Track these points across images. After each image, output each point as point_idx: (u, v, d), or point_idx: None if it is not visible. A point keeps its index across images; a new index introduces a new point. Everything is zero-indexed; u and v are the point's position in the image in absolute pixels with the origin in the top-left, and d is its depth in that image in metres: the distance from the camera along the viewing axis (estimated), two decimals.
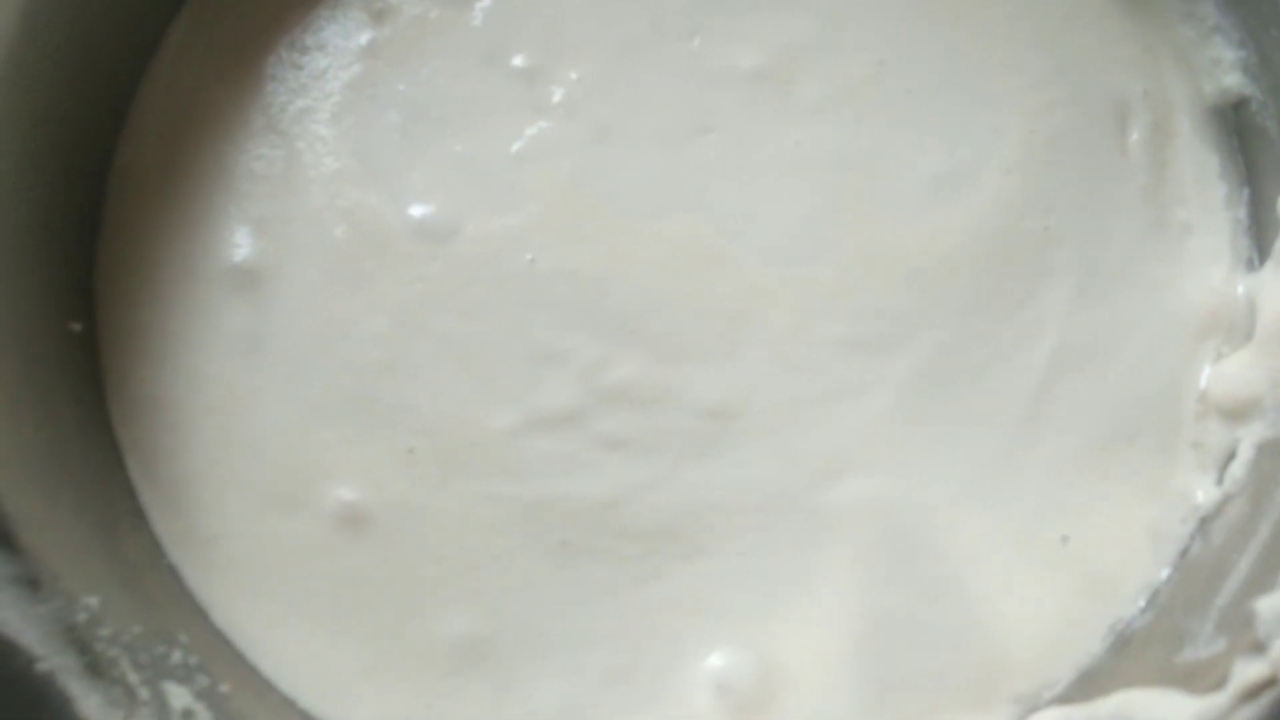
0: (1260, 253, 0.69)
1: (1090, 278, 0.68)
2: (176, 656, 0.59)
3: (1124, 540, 0.65)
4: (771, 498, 0.65)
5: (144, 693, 0.55)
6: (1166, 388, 0.68)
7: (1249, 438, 0.64)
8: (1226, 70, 0.70)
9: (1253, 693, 0.49)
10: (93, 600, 0.55)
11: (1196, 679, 0.53)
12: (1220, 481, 0.65)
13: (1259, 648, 0.51)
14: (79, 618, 0.54)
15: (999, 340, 0.67)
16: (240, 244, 0.69)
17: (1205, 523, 0.65)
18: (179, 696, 0.57)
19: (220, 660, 0.62)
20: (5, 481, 0.55)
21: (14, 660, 0.50)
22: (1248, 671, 0.50)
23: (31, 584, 0.52)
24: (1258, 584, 0.56)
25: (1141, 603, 0.64)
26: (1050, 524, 0.65)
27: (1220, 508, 0.65)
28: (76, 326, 0.67)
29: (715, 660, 0.64)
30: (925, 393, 0.66)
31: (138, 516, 0.66)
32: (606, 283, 0.68)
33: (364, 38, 0.72)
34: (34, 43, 0.63)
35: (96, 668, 0.53)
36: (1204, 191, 0.71)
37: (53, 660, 0.51)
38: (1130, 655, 0.62)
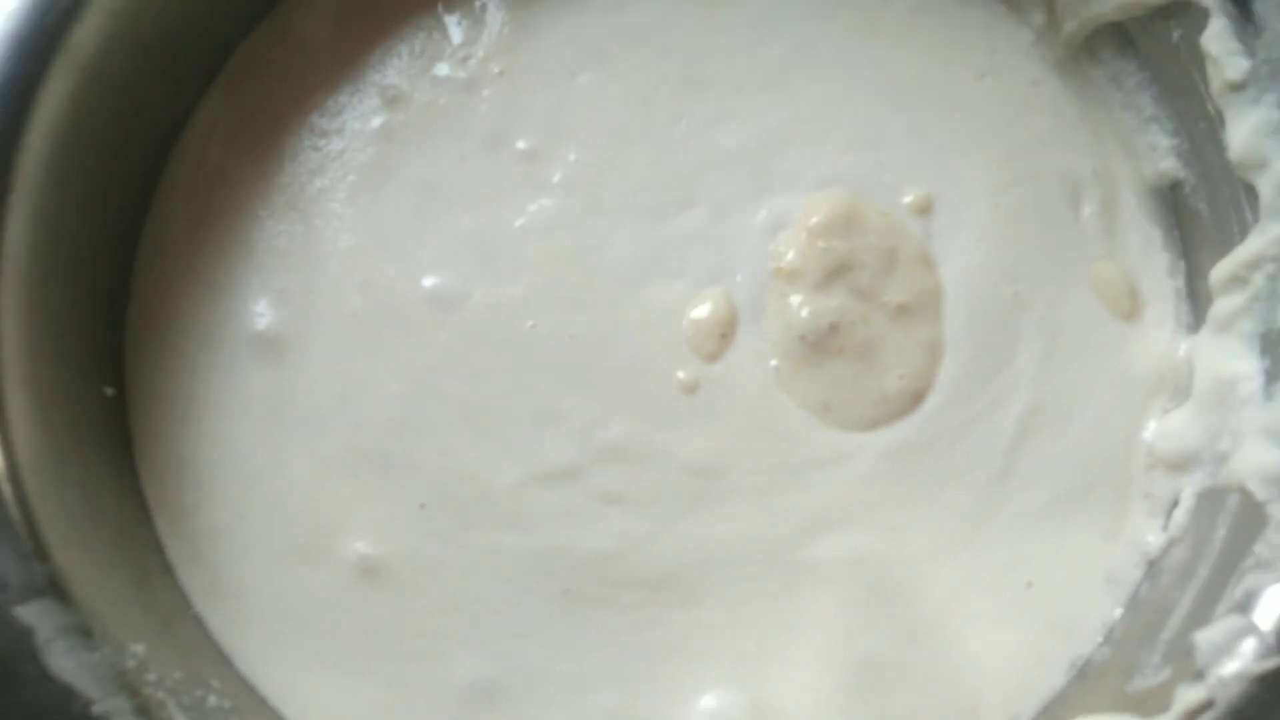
0: (1197, 320, 0.76)
1: (1054, 342, 0.74)
2: (212, 700, 0.63)
3: (1083, 584, 0.70)
4: (759, 551, 0.70)
5: None
6: (1120, 443, 0.73)
7: (1190, 486, 0.70)
8: (1162, 155, 0.77)
9: (1193, 715, 0.55)
10: (139, 648, 0.59)
11: (1146, 705, 0.58)
12: (1166, 527, 0.71)
13: (1198, 675, 0.56)
14: (128, 664, 0.58)
15: (977, 405, 0.73)
16: (262, 313, 0.74)
17: (1153, 565, 0.71)
18: None
19: (249, 705, 0.66)
20: (55, 538, 0.59)
21: (73, 704, 0.54)
22: (1189, 696, 0.56)
23: (84, 633, 0.56)
24: (1198, 619, 0.61)
25: (1099, 639, 0.70)
26: (1017, 571, 0.70)
27: (1165, 551, 0.70)
28: (109, 391, 0.72)
29: (708, 701, 0.68)
30: (904, 459, 0.72)
31: (166, 571, 0.69)
32: (600, 347, 0.73)
33: (378, 121, 0.78)
34: (74, 129, 0.67)
35: (146, 710, 0.56)
36: (1149, 261, 0.77)
37: (107, 703, 0.55)
38: (1088, 686, 0.67)
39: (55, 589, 0.57)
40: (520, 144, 0.77)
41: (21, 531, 0.57)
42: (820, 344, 0.72)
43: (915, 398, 0.72)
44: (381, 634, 0.69)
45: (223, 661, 0.68)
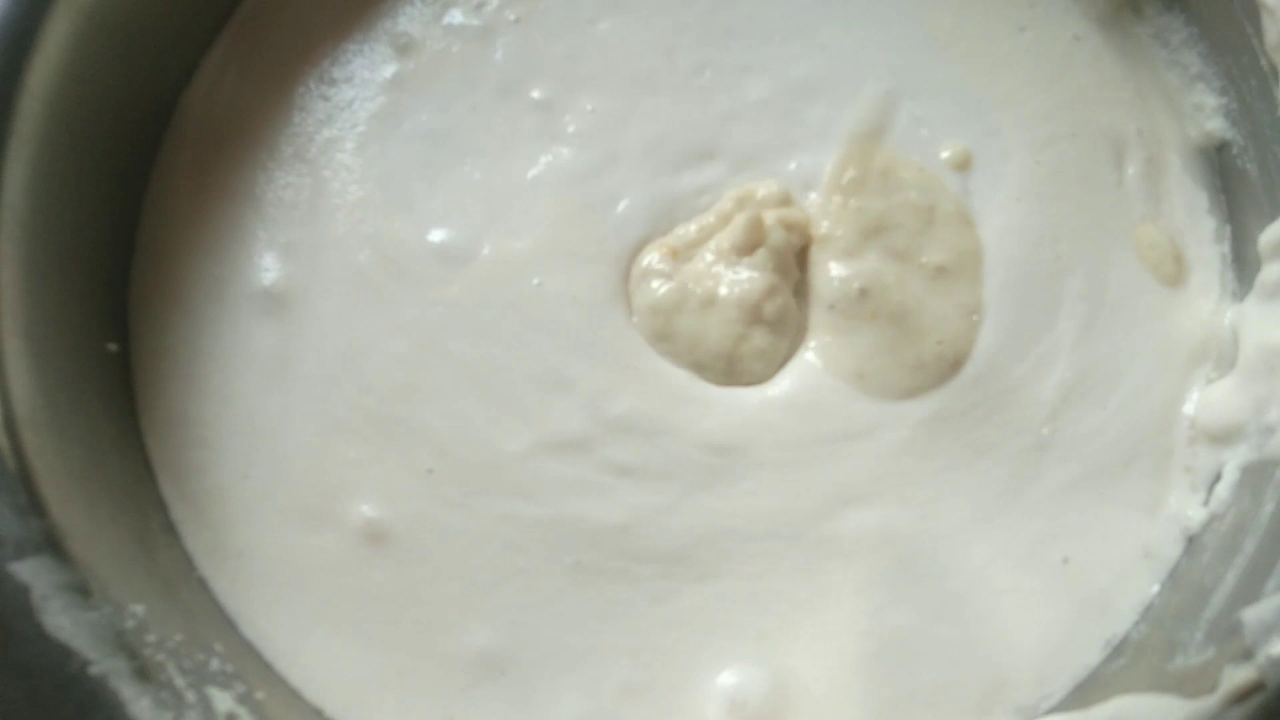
0: (1242, 286, 0.72)
1: (1097, 306, 0.71)
2: (214, 664, 0.61)
3: (1120, 560, 0.67)
4: (781, 525, 0.67)
5: (190, 696, 0.57)
6: (1161, 415, 0.70)
7: (1234, 460, 0.67)
8: (1209, 115, 0.74)
9: (1242, 695, 0.52)
10: (138, 608, 0.57)
11: (1188, 685, 0.55)
12: (1207, 502, 0.68)
13: (1247, 654, 0.53)
14: (127, 624, 0.56)
15: (1016, 373, 0.70)
16: (268, 268, 0.72)
17: (1193, 541, 0.68)
18: (222, 700, 0.58)
19: (252, 669, 0.64)
20: (53, 493, 0.57)
21: (69, 663, 0.52)
22: (1236, 676, 0.53)
23: (82, 592, 0.54)
24: (1244, 596, 0.59)
25: (1135, 617, 0.67)
26: (1052, 546, 0.67)
27: (1206, 526, 0.67)
28: (113, 347, 0.69)
29: (727, 677, 0.65)
30: (939, 429, 0.68)
31: (169, 531, 0.68)
32: (604, 310, 0.70)
33: (389, 71, 0.75)
34: (76, 74, 0.65)
35: (145, 672, 0.54)
36: (1195, 225, 0.74)
37: (104, 664, 0.53)
38: (1124, 665, 0.64)
39: (52, 545, 0.55)
40: (535, 93, 0.74)
41: (18, 485, 0.55)
42: (852, 310, 0.69)
43: (954, 365, 0.69)
44: (388, 600, 0.67)
45: (226, 625, 0.66)
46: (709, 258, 0.70)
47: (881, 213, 0.71)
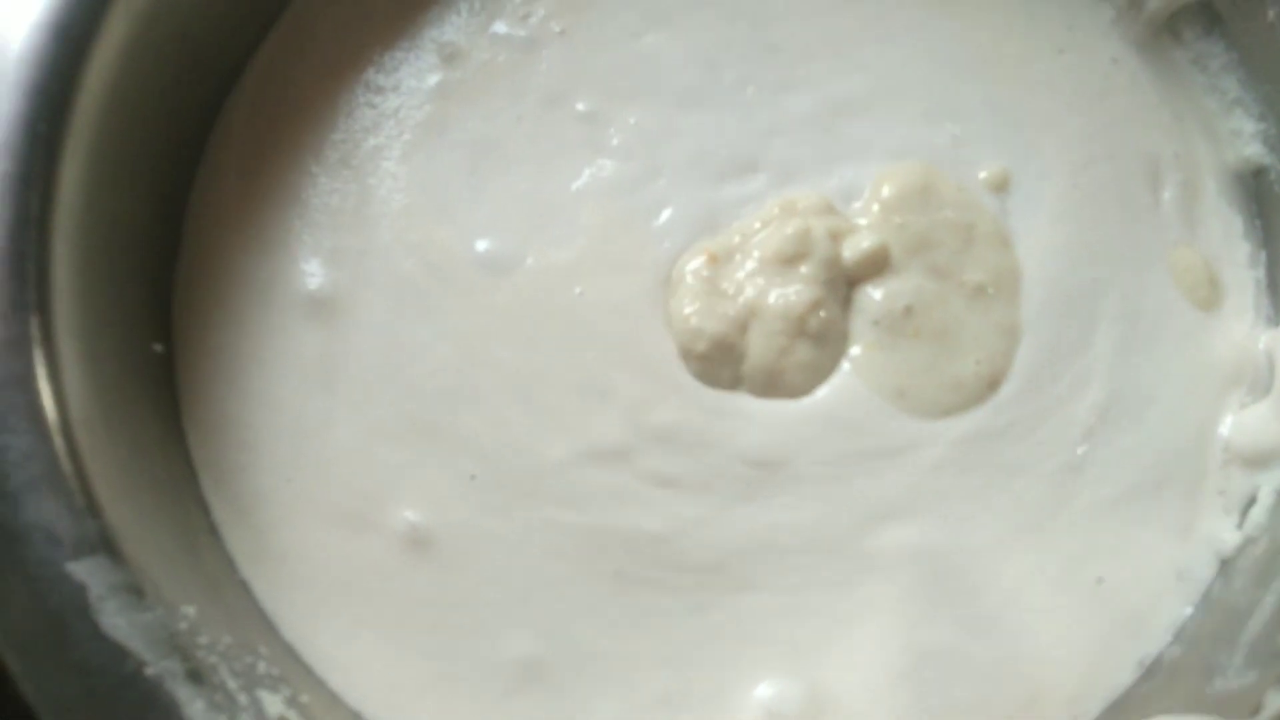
0: (1277, 311, 0.73)
1: (1132, 329, 0.72)
2: (261, 667, 0.61)
3: (1153, 580, 0.68)
4: (818, 539, 0.67)
5: (243, 699, 0.57)
6: (1195, 437, 0.71)
7: (1268, 484, 0.68)
8: (1247, 141, 0.75)
9: None
10: (190, 610, 0.58)
11: (1229, 707, 0.56)
12: (1241, 526, 0.69)
13: None
14: (180, 626, 0.56)
15: (1053, 393, 0.70)
16: (314, 273, 0.72)
17: (1226, 564, 0.69)
18: (273, 704, 0.59)
19: (295, 673, 0.64)
20: (106, 494, 0.57)
21: (125, 664, 0.53)
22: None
23: (137, 592, 0.55)
24: None
25: (1168, 638, 0.68)
26: (1086, 566, 0.68)
27: (1240, 550, 0.68)
28: (158, 347, 0.70)
29: (764, 689, 0.66)
30: (975, 448, 0.69)
31: (212, 532, 0.68)
32: (645, 320, 0.71)
33: (435, 79, 0.76)
34: (131, 76, 0.66)
35: (198, 674, 0.55)
36: (1230, 250, 0.75)
37: (160, 665, 0.53)
38: (1158, 686, 0.65)
39: (107, 545, 0.55)
40: (579, 105, 0.75)
41: (74, 486, 0.55)
42: (896, 327, 0.70)
43: (991, 384, 0.70)
44: (429, 606, 0.67)
45: (269, 628, 0.67)
46: (750, 265, 0.71)
47: (923, 230, 0.71)
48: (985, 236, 0.72)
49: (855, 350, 0.70)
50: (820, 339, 0.70)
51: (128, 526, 0.57)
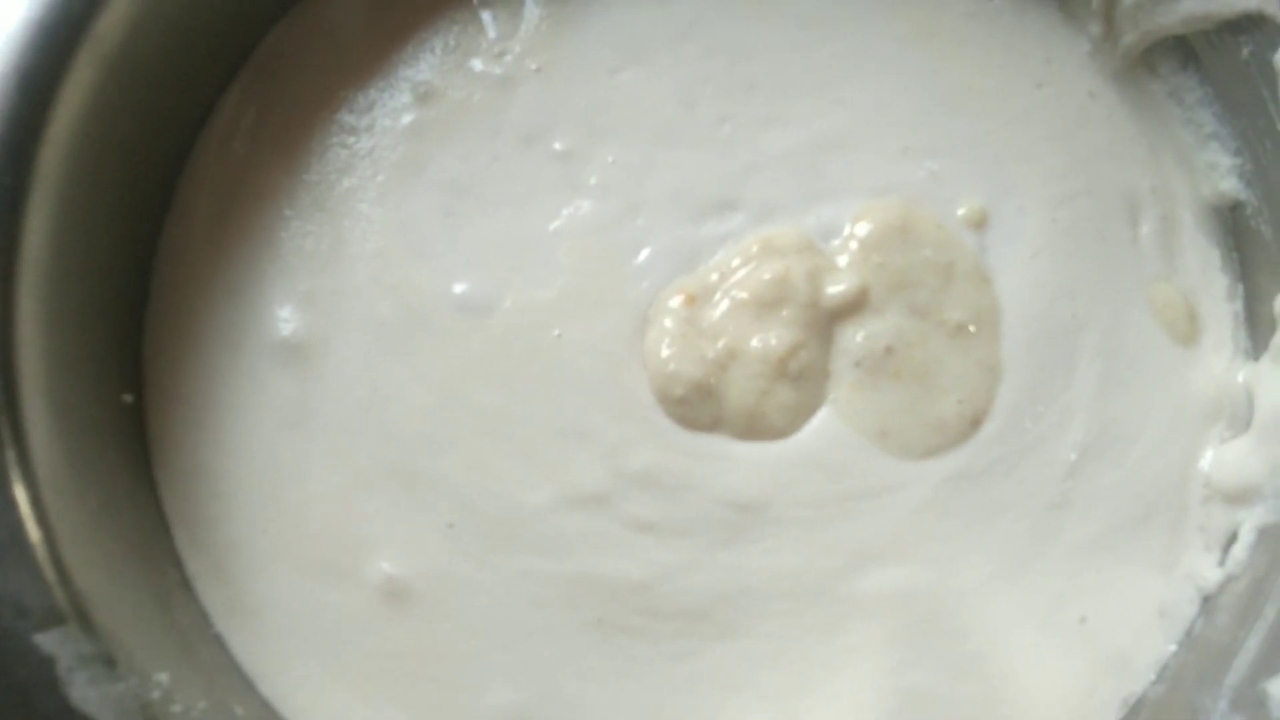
0: (1256, 345, 0.73)
1: (1113, 364, 0.72)
2: None
3: (1137, 618, 0.68)
4: (802, 584, 0.67)
5: None
6: (1177, 473, 0.71)
7: (1250, 521, 0.68)
8: (1223, 175, 0.75)
9: None
10: (164, 677, 0.57)
11: None
12: (1223, 563, 0.69)
13: None
14: (153, 695, 0.55)
15: (1035, 431, 0.70)
16: (287, 319, 0.71)
17: (1208, 601, 0.68)
18: None
19: None
20: (76, 558, 0.56)
21: None
22: None
23: (108, 662, 0.53)
24: (1267, 664, 0.59)
25: (1152, 676, 0.68)
26: (1070, 605, 0.68)
27: (1223, 587, 0.68)
28: (128, 398, 0.69)
29: None
30: (958, 488, 0.69)
31: (185, 587, 0.67)
32: (623, 360, 0.70)
33: (409, 119, 0.75)
34: (96, 123, 0.65)
35: None
36: (1208, 283, 0.75)
37: None
38: None
39: (78, 614, 0.54)
40: (556, 144, 0.74)
41: (42, 553, 0.54)
42: (877, 368, 0.69)
43: (973, 423, 0.70)
44: (408, 657, 0.66)
45: (246, 685, 0.66)
46: (729, 306, 0.70)
47: (903, 269, 0.71)
48: (965, 274, 0.72)
49: (837, 391, 0.70)
50: (801, 380, 0.69)
51: (99, 592, 0.56)
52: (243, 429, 0.70)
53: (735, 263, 0.71)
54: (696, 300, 0.71)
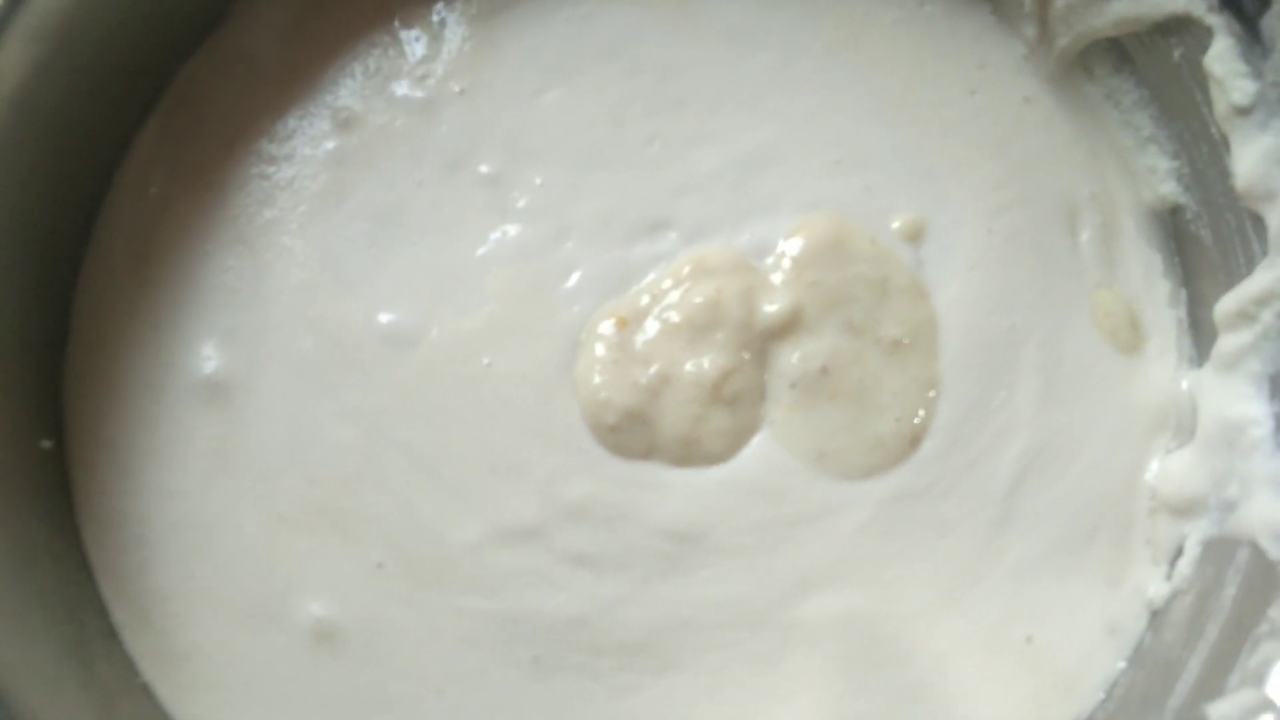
0: (1199, 351, 0.72)
1: (1054, 376, 0.70)
2: None
3: (1084, 636, 0.67)
4: (742, 613, 0.65)
5: None
6: (1122, 485, 0.69)
7: (1195, 534, 0.67)
8: (1162, 179, 0.73)
9: None
10: None
11: None
12: (1170, 576, 0.68)
13: None
14: None
15: (975, 446, 0.69)
16: (209, 356, 0.69)
17: (1157, 616, 0.67)
18: None
19: None
20: None
21: None
22: None
23: None
24: (1208, 687, 0.58)
25: (1101, 695, 0.66)
26: (1016, 625, 0.66)
27: (1169, 602, 0.67)
28: (47, 443, 0.67)
29: None
30: (899, 508, 0.67)
31: (110, 637, 0.65)
32: (554, 389, 0.68)
33: (330, 145, 0.73)
34: (5, 158, 0.63)
35: None
36: (1150, 289, 0.73)
37: None
38: None
39: None
40: (482, 168, 0.72)
41: None
42: (813, 388, 0.68)
43: (912, 441, 0.68)
44: (341, 702, 0.65)
45: None
46: (661, 330, 0.69)
47: (837, 286, 0.70)
48: (900, 289, 0.70)
49: (773, 414, 0.68)
50: (736, 404, 0.68)
51: (5, 654, 0.54)
52: (166, 473, 0.68)
53: (667, 284, 0.70)
54: (628, 324, 0.69)
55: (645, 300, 0.70)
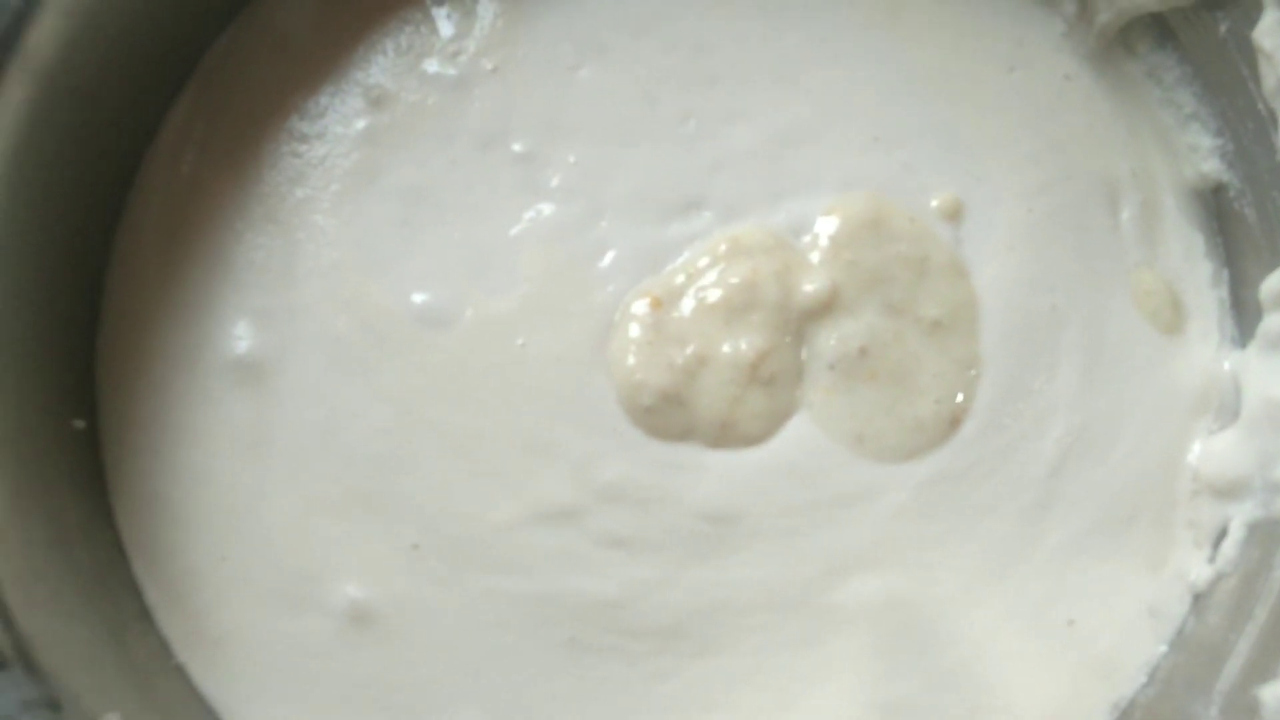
0: (1242, 332, 0.71)
1: (1094, 358, 0.69)
2: None
3: (1125, 619, 0.66)
4: (780, 596, 0.65)
5: None
6: (1163, 466, 0.68)
7: (1239, 516, 0.66)
8: (1205, 156, 0.72)
9: None
10: (113, 718, 0.54)
11: None
12: (1213, 559, 0.67)
13: None
14: None
15: (1016, 429, 0.68)
16: (241, 336, 0.69)
17: (1199, 599, 0.66)
18: None
19: None
20: (19, 599, 0.54)
21: None
22: None
23: (53, 707, 0.51)
24: (1258, 669, 0.57)
25: (1143, 679, 0.65)
26: (1056, 608, 0.66)
27: (1213, 585, 0.66)
28: (80, 424, 0.67)
29: None
30: (938, 491, 0.67)
31: (144, 618, 0.65)
32: (590, 370, 0.68)
33: (362, 124, 0.72)
34: (36, 141, 0.62)
35: None
36: (1192, 270, 0.72)
37: None
38: None
39: (21, 657, 0.52)
40: (515, 146, 0.71)
41: None
42: (851, 370, 0.67)
43: (953, 423, 0.67)
44: (375, 684, 0.64)
45: (206, 715, 0.64)
46: (697, 310, 0.68)
47: (876, 265, 0.69)
48: (940, 269, 0.69)
49: (811, 395, 0.67)
50: (773, 386, 0.67)
51: (44, 632, 0.54)
52: (200, 453, 0.68)
53: (703, 263, 0.69)
54: (663, 304, 0.68)
55: (680, 280, 0.69)
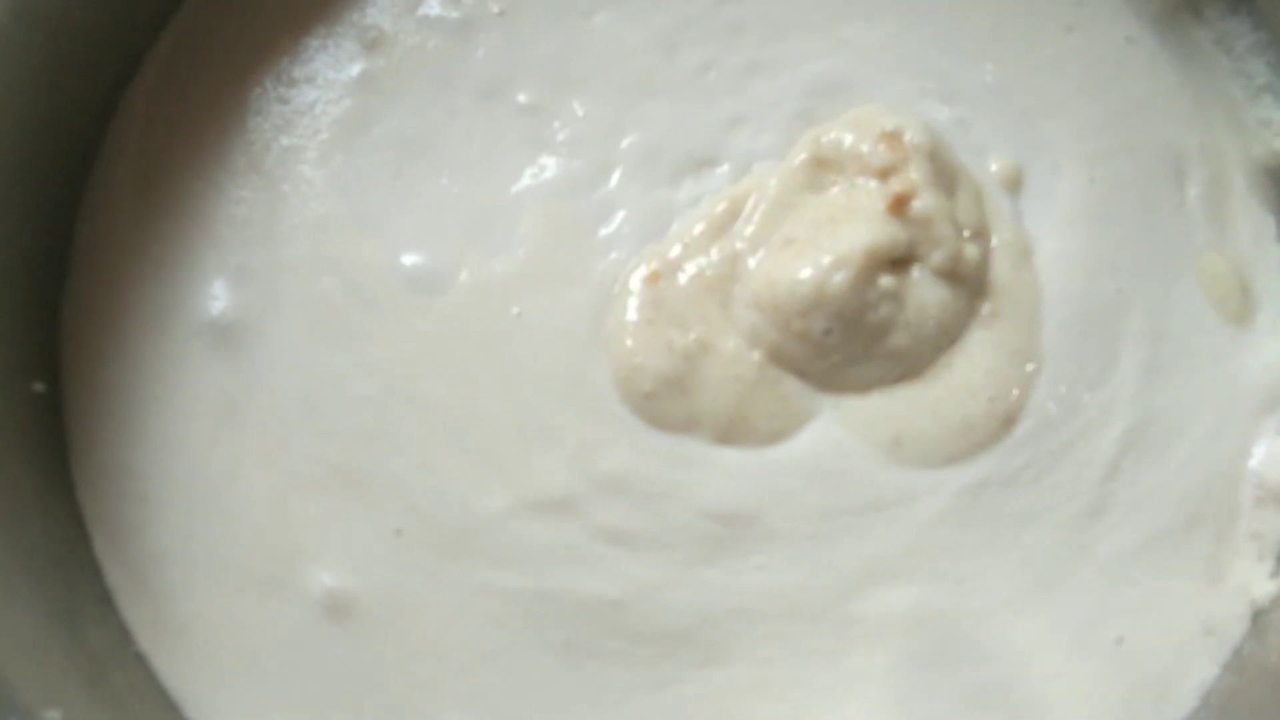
0: None
1: (1157, 350, 0.63)
2: None
3: (1179, 638, 0.60)
4: (798, 604, 0.59)
5: None
6: (1226, 472, 0.62)
7: None
8: (1277, 132, 0.66)
9: None
10: (54, 715, 0.50)
11: None
12: (1277, 574, 0.61)
13: None
14: None
15: (1072, 428, 0.62)
16: (218, 296, 0.64)
17: (1260, 618, 0.61)
18: None
19: None
20: None
21: None
22: None
23: None
24: None
25: (1195, 703, 0.60)
26: (1105, 625, 0.60)
27: (1276, 603, 0.60)
28: (40, 387, 0.62)
29: None
30: (982, 497, 0.60)
31: (103, 601, 0.60)
32: (589, 346, 0.62)
33: (356, 69, 0.67)
34: (6, 73, 0.58)
35: None
36: (1262, 254, 0.66)
37: None
38: None
39: None
40: (521, 96, 0.66)
41: None
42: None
43: (1006, 423, 0.61)
44: (352, 680, 0.59)
45: (168, 708, 0.59)
46: (690, 269, 0.61)
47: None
48: (1002, 246, 0.63)
49: (836, 392, 0.61)
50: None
51: None
52: (169, 423, 0.62)
53: (700, 227, 0.63)
54: (661, 276, 0.62)
55: (677, 250, 0.63)
